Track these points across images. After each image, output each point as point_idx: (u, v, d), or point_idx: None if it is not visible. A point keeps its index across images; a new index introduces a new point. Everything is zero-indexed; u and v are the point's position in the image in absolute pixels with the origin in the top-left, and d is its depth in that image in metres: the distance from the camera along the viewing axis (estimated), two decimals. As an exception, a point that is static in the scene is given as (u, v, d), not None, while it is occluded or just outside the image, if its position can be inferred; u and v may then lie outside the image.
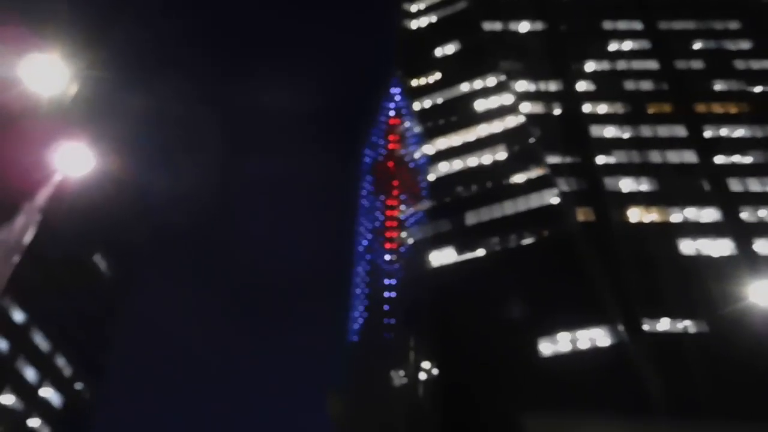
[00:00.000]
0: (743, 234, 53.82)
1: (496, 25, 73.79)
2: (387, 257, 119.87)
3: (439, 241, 61.35)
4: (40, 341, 60.75)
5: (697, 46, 69.18)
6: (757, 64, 66.82)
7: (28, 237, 15.68)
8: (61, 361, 64.05)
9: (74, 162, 16.56)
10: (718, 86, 65.57)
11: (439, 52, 75.71)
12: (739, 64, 67.07)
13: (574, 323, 50.53)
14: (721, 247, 53.46)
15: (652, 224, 55.96)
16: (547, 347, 50.80)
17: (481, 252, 58.70)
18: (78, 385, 66.81)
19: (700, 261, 52.48)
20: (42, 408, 60.68)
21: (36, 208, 16.14)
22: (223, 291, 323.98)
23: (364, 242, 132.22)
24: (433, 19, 79.60)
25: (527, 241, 57.47)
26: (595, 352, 49.20)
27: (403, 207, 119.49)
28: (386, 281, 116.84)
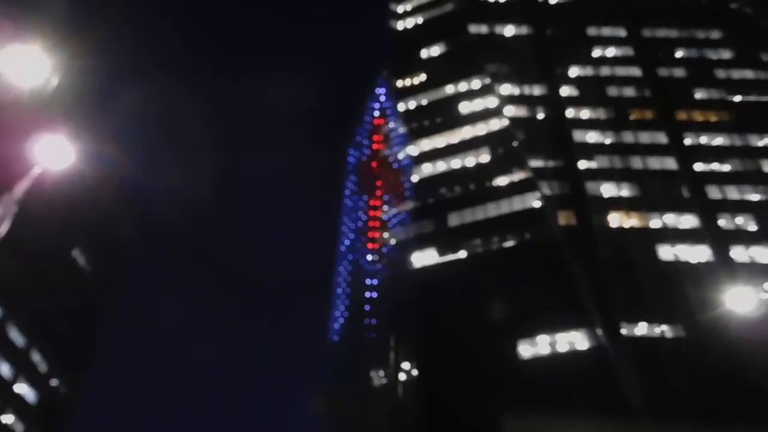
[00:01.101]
0: (721, 240, 54.61)
1: (482, 28, 74.14)
2: (369, 257, 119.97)
3: (421, 242, 61.51)
4: (16, 336, 59.86)
5: (680, 54, 70.09)
6: (737, 74, 67.86)
7: (3, 230, 15.47)
8: (36, 357, 63.17)
9: (55, 155, 16.38)
10: (699, 94, 66.48)
11: (425, 53, 75.91)
12: (720, 74, 68.05)
13: (553, 326, 50.93)
14: (699, 253, 54.19)
15: (632, 229, 56.57)
16: (526, 349, 51.15)
17: (463, 253, 58.94)
18: (54, 381, 65.94)
19: (678, 266, 53.16)
20: (16, 404, 59.83)
21: (13, 201, 15.94)
22: (211, 287, 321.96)
23: (347, 242, 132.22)
24: (420, 20, 79.78)
25: (509, 243, 57.82)
26: (574, 355, 49.64)
27: (386, 207, 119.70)
28: (368, 281, 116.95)
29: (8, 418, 58.64)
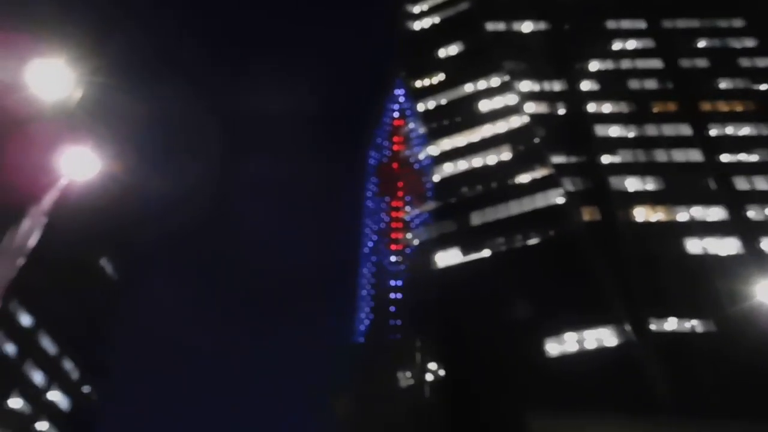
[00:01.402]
0: (750, 232, 53.62)
1: (499, 26, 73.79)
2: (392, 258, 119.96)
3: (444, 242, 61.35)
4: (47, 345, 61.05)
5: (701, 44, 69.01)
6: (762, 62, 66.60)
7: (33, 240, 15.79)
8: (68, 365, 64.36)
9: (79, 166, 16.68)
10: (723, 84, 65.38)
11: (442, 53, 75.77)
12: (744, 62, 66.86)
13: (580, 323, 50.43)
14: (728, 246, 53.26)
15: (657, 223, 55.81)
16: (553, 347, 50.72)
17: (486, 252, 58.67)
18: (85, 388, 67.12)
19: (706, 260, 52.30)
20: (50, 411, 60.99)
21: (41, 212, 16.26)
22: (227, 292, 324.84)
23: (370, 244, 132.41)
24: (436, 20, 79.66)
25: (533, 241, 57.42)
26: (602, 351, 49.09)
27: (408, 208, 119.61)
28: (392, 282, 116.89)
29: (43, 425, 59.80)
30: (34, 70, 15.35)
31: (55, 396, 62.27)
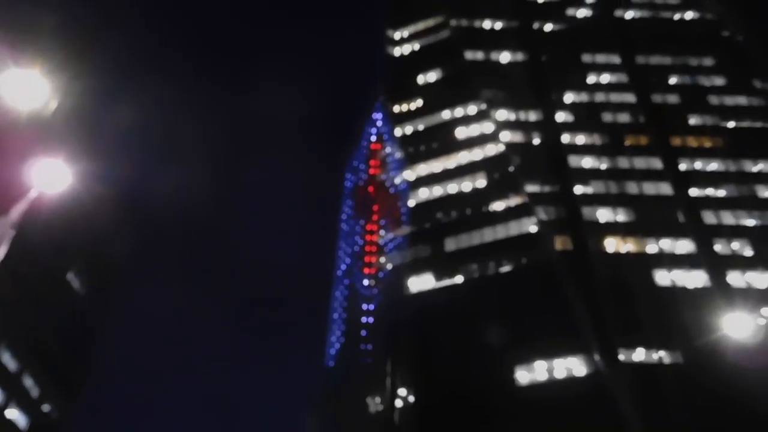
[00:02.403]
0: (717, 266, 54.63)
1: (478, 55, 74.94)
2: (366, 282, 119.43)
3: (418, 267, 61.34)
4: (8, 360, 59.24)
5: (673, 80, 70.87)
6: (730, 100, 68.57)
7: (0, 253, 15.41)
8: (28, 382, 62.41)
9: (52, 177, 16.39)
10: (693, 120, 67.08)
11: (421, 79, 76.57)
12: (714, 100, 68.77)
13: (551, 351, 50.61)
14: (696, 278, 54.17)
15: (628, 254, 56.58)
16: (524, 376, 50.75)
17: (459, 278, 58.79)
18: (45, 407, 65.08)
19: (675, 291, 53.09)
20: (6, 430, 58.94)
21: (10, 224, 15.90)
22: (208, 308, 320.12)
23: (343, 266, 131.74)
24: (417, 46, 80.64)
25: (506, 268, 57.73)
26: (572, 381, 49.24)
27: (382, 232, 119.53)
28: (364, 306, 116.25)
29: (-2, 445, 57.73)
30: (9, 79, 15.13)
31: (12, 414, 60.26)
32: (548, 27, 78.31)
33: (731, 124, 66.40)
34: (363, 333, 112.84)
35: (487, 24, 78.76)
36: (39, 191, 16.27)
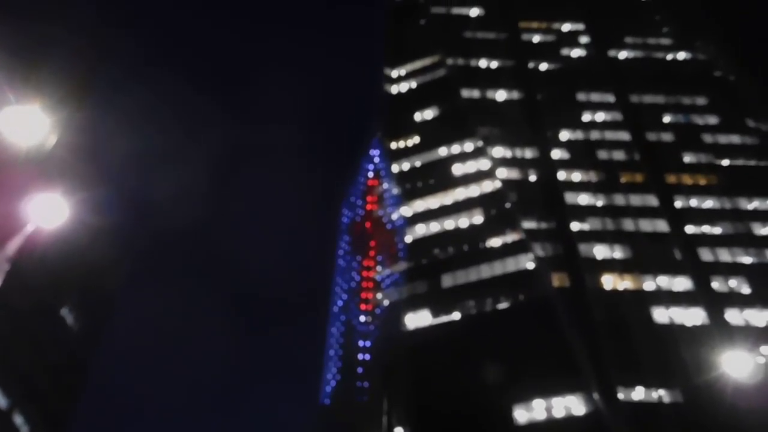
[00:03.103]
0: (715, 303, 54.46)
1: (474, 93, 75.95)
2: (362, 318, 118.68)
3: (415, 303, 60.99)
4: (-1, 398, 58.32)
5: (667, 119, 71.77)
6: (724, 139, 69.38)
7: (-6, 288, 15.32)
8: (19, 419, 61.33)
9: (49, 212, 16.42)
10: (688, 158, 67.71)
11: (418, 116, 77.37)
12: (707, 138, 69.56)
13: (549, 390, 50.02)
14: (694, 316, 53.93)
15: (626, 291, 56.41)
16: (522, 414, 50.03)
17: (457, 315, 58.39)
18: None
19: (673, 329, 52.78)
20: (-5, 469, 57.66)
21: (5, 259, 15.86)
22: (199, 345, 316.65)
23: (340, 302, 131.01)
24: (414, 84, 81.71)
25: (503, 304, 57.43)
26: (571, 420, 48.55)
27: (379, 268, 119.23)
28: (361, 343, 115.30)
29: (-15, 484, 56.41)
30: (9, 115, 15.27)
31: (1, 453, 59.01)
32: (543, 66, 79.59)
33: (725, 162, 67.03)
34: (359, 370, 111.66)
35: (482, 63, 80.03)
36: (36, 226, 16.27)
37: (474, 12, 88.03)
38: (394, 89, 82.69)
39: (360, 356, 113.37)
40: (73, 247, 58.34)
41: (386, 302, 68.26)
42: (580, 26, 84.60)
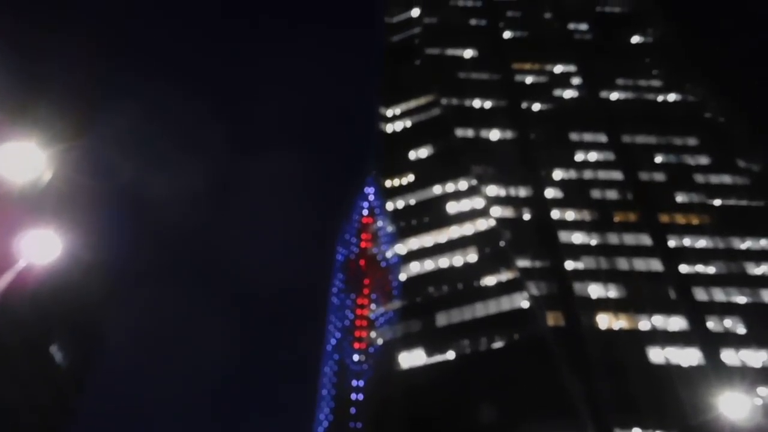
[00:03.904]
0: (710, 343, 54.18)
1: (468, 132, 76.75)
2: (356, 357, 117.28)
3: (409, 342, 60.43)
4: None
5: (659, 159, 72.54)
6: (715, 179, 70.04)
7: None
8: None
9: (41, 249, 16.34)
10: (680, 198, 68.21)
11: (413, 154, 77.97)
12: (699, 178, 70.21)
13: (545, 431, 49.22)
14: (690, 356, 53.58)
15: (621, 331, 56.12)
16: (517, 456, 49.10)
17: (451, 354, 57.83)
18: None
19: (669, 369, 52.37)
20: None
21: (-5, 295, 15.69)
22: (187, 383, 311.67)
23: (333, 341, 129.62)
24: (409, 123, 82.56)
25: (498, 344, 56.96)
26: (567, 462, 47.70)
27: (373, 306, 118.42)
28: (354, 382, 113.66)
29: None
30: (5, 153, 15.32)
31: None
32: (536, 106, 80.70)
33: (717, 202, 67.52)
34: (352, 410, 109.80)
35: (476, 103, 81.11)
36: (28, 262, 16.17)
37: (468, 53, 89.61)
38: (390, 128, 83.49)
39: (353, 396, 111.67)
40: (64, 284, 57.95)
41: (380, 341, 67.52)
42: (572, 68, 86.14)
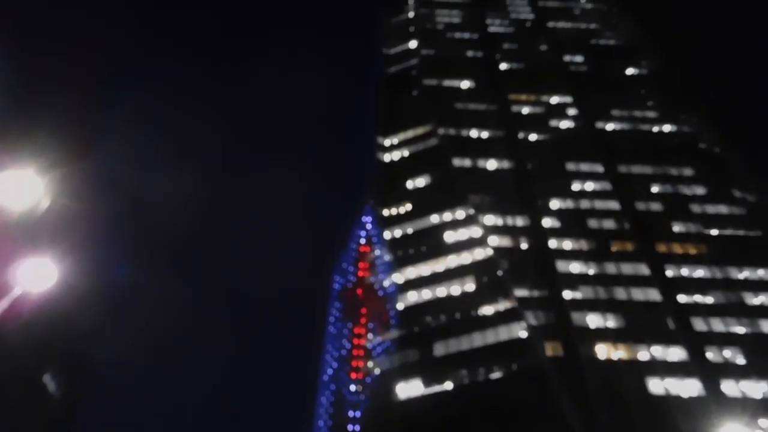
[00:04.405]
0: (710, 374, 53.76)
1: (465, 162, 77.18)
2: (353, 387, 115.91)
3: (406, 372, 59.87)
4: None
5: (656, 189, 72.88)
6: (712, 209, 70.28)
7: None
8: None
9: (37, 277, 16.27)
10: (677, 228, 68.34)
11: (410, 184, 78.25)
12: (696, 208, 70.47)
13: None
14: (690, 387, 53.10)
15: (620, 361, 55.71)
16: (516, 490, 48.33)
17: (449, 384, 57.24)
18: None
19: (669, 400, 51.86)
20: None
21: (-11, 323, 15.59)
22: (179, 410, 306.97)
23: (330, 371, 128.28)
24: (406, 153, 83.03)
25: (496, 374, 56.43)
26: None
27: (370, 335, 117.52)
28: (351, 413, 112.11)
29: None
30: (3, 180, 15.35)
31: None
32: (533, 137, 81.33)
33: (714, 232, 67.64)
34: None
35: (473, 133, 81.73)
36: (23, 291, 16.09)
37: (465, 84, 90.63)
38: (387, 157, 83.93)
39: (350, 427, 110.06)
40: (58, 311, 57.56)
41: (377, 371, 66.86)
42: (568, 99, 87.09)
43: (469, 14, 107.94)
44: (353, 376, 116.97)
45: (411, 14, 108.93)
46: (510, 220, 69.33)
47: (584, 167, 75.39)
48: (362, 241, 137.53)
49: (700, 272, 63.29)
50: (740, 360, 55.15)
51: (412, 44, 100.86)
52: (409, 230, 73.03)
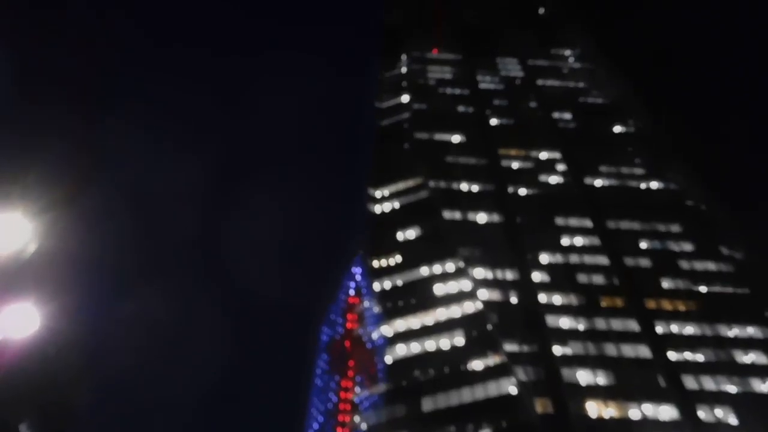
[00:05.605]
0: (702, 434, 52.92)
1: (455, 214, 77.54)
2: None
3: (394, 428, 58.55)
4: None
5: (644, 245, 73.33)
6: (700, 265, 70.61)
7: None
8: None
9: (19, 324, 15.96)
10: (666, 284, 68.45)
11: (401, 235, 78.27)
12: (684, 265, 70.78)
13: None
14: (682, 447, 52.16)
15: (611, 419, 54.81)
16: None
17: (437, 441, 55.91)
18: None
19: (661, 461, 50.84)
20: None
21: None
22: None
23: (316, 425, 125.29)
24: (397, 205, 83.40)
25: (485, 431, 55.27)
26: None
27: (358, 389, 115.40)
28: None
29: None
30: (-8, 222, 15.21)
31: None
32: (522, 191, 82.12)
33: (703, 289, 67.80)
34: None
35: (464, 186, 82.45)
36: (3, 338, 15.75)
37: (456, 138, 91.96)
38: (378, 208, 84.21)
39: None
40: (39, 360, 56.22)
41: (364, 425, 65.32)
42: (557, 154, 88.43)
43: (460, 71, 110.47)
44: (339, 431, 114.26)
45: (404, 69, 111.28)
46: (500, 274, 69.22)
47: (573, 222, 75.94)
48: (351, 292, 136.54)
49: (689, 329, 63.09)
50: (732, 419, 54.43)
51: (405, 98, 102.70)
52: (399, 282, 72.65)
